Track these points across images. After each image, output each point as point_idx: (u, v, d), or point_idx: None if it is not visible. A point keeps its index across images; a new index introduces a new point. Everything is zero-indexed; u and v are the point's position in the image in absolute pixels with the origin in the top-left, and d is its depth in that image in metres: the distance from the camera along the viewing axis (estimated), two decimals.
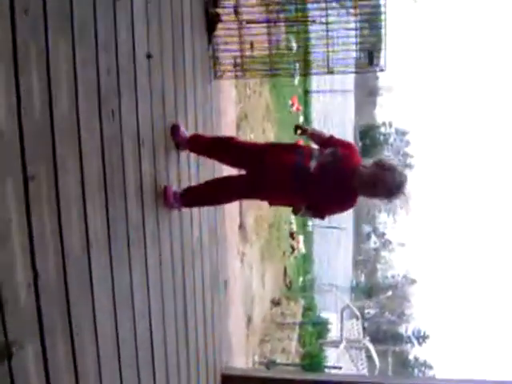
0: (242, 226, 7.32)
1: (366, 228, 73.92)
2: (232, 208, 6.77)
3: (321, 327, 11.26)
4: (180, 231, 4.05)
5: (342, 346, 9.51)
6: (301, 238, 13.65)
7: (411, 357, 62.63)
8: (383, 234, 76.45)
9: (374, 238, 76.44)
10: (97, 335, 2.71)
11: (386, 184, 3.39)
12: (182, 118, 4.09)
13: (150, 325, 3.41)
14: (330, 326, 11.47)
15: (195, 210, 4.37)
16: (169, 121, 3.83)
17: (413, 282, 69.96)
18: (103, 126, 2.80)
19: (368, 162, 3.58)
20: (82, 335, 2.58)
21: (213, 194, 3.99)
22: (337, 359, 9.59)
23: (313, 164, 3.56)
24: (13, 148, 2.13)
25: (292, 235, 12.79)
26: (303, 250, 14.00)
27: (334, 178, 3.52)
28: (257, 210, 8.48)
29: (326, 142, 3.78)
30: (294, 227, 12.98)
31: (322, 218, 3.82)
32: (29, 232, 2.21)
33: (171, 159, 3.90)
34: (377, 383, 5.34)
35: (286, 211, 12.50)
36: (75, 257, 2.52)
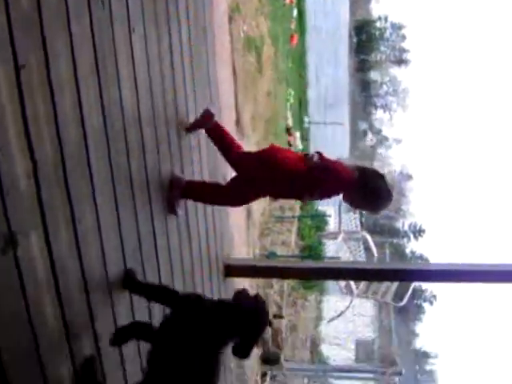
0: (238, 122, 7.25)
1: (363, 125, 73.66)
2: (228, 102, 6.68)
3: (319, 220, 11.46)
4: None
5: (340, 237, 9.67)
6: (297, 134, 13.60)
7: (408, 250, 64.19)
8: (379, 131, 76.33)
9: (370, 135, 76.33)
10: (99, 225, 2.73)
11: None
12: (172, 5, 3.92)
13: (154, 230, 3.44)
14: (328, 219, 11.66)
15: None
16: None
17: (409, 177, 70.55)
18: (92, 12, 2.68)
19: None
20: (86, 222, 2.59)
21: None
22: (336, 251, 9.80)
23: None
24: (1, 38, 2.05)
25: (288, 131, 12.73)
26: (300, 147, 13.98)
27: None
28: (253, 105, 8.38)
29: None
30: (291, 122, 12.89)
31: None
32: (24, 122, 2.16)
33: (163, 45, 3.76)
34: (376, 269, 5.46)
35: (282, 104, 12.38)
36: (72, 144, 2.48)
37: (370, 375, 9.30)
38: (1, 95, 2.03)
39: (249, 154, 3.94)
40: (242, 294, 2.64)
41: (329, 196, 3.70)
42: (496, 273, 5.06)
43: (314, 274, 5.57)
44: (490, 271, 5.10)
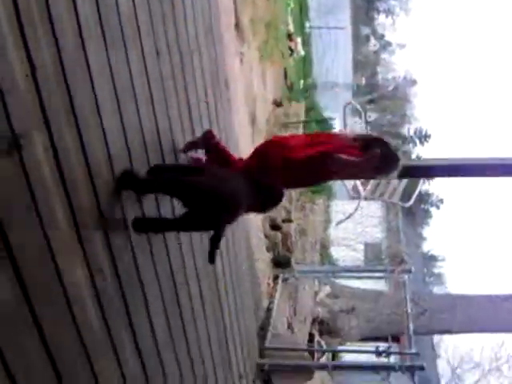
0: (238, 25, 7.05)
1: (365, 30, 71.75)
2: (228, 6, 6.48)
3: (324, 125, 11.34)
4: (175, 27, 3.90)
5: None
6: (299, 39, 13.28)
7: (414, 156, 63.93)
8: (382, 36, 74.40)
9: (373, 40, 74.49)
10: (102, 121, 2.69)
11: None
12: None
13: (154, 112, 3.39)
14: (333, 123, 11.53)
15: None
16: None
17: (413, 82, 69.32)
18: None
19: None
20: (88, 126, 2.56)
21: None
22: None
23: None
24: None
25: (290, 36, 12.42)
26: (302, 53, 13.69)
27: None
28: (252, 9, 8.13)
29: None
30: (292, 28, 12.56)
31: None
32: (19, 25, 2.10)
33: None
34: None
35: (283, 9, 12.02)
36: (70, 47, 2.42)
37: (380, 274, 9.49)
38: None
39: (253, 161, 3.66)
40: None
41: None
42: (502, 166, 5.06)
43: None
44: (496, 164, 5.10)
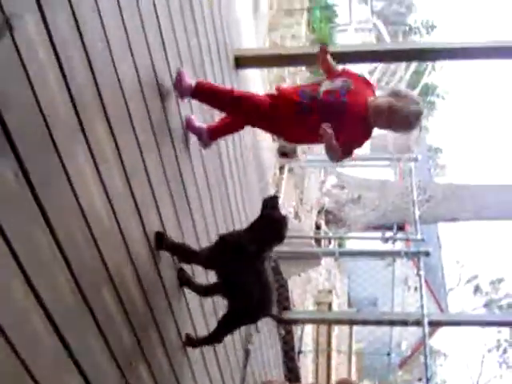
0: None
1: None
2: None
3: (329, 12, 10.95)
4: None
5: (351, 29, 9.35)
6: None
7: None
8: None
9: None
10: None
11: (402, 113, 3.16)
12: None
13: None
14: (338, 9, 11.14)
15: None
16: None
17: None
18: None
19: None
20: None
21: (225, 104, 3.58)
22: (347, 40, 9.53)
23: (322, 88, 3.27)
24: None
25: None
26: None
27: (344, 105, 3.21)
28: None
29: (337, 73, 3.42)
30: None
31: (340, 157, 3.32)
32: None
33: None
34: (389, 50, 5.33)
35: None
36: None
37: (386, 162, 9.49)
38: None
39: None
40: (271, 201, 3.03)
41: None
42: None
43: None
44: (505, 47, 4.97)
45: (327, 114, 3.20)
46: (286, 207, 7.34)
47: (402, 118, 3.19)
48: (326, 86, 3.31)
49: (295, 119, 3.29)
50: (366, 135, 3.36)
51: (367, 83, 3.44)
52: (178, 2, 3.64)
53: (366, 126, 3.31)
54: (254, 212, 5.42)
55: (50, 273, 2.11)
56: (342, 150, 3.18)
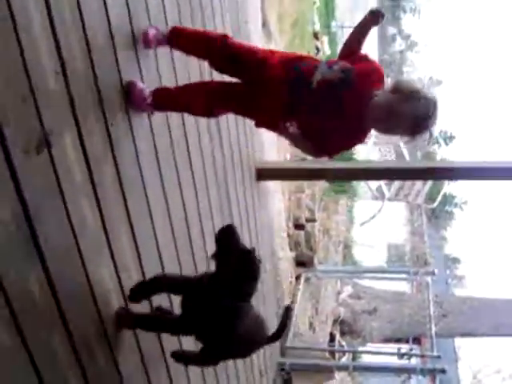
0: (265, 24, 7.04)
1: (391, 29, 71.25)
2: (254, 3, 6.47)
3: None
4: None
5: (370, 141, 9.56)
6: (325, 38, 13.21)
7: (438, 157, 63.42)
8: (409, 36, 73.82)
9: (399, 40, 73.88)
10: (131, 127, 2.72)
11: (405, 117, 2.56)
12: None
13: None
14: None
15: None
16: None
17: (439, 82, 68.60)
18: None
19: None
20: (117, 125, 2.59)
21: (188, 100, 2.97)
22: (366, 154, 9.73)
23: (317, 77, 2.64)
24: None
25: (316, 35, 12.37)
26: (328, 52, 13.62)
27: (340, 101, 2.64)
28: (279, 6, 8.11)
29: (350, 55, 2.78)
30: (318, 26, 12.51)
31: (329, 154, 2.85)
32: (49, 19, 2.12)
33: None
34: (406, 168, 5.45)
35: (309, 7, 11.99)
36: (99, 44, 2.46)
37: (403, 276, 9.44)
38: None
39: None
40: (227, 230, 2.52)
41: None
42: None
43: (345, 174, 5.58)
44: None
45: (318, 107, 2.68)
46: (300, 317, 7.27)
47: (404, 122, 2.60)
48: (324, 72, 2.68)
49: (280, 114, 2.73)
50: (360, 138, 2.82)
51: (376, 72, 2.78)
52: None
53: (362, 128, 2.76)
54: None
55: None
56: (328, 150, 2.75)
